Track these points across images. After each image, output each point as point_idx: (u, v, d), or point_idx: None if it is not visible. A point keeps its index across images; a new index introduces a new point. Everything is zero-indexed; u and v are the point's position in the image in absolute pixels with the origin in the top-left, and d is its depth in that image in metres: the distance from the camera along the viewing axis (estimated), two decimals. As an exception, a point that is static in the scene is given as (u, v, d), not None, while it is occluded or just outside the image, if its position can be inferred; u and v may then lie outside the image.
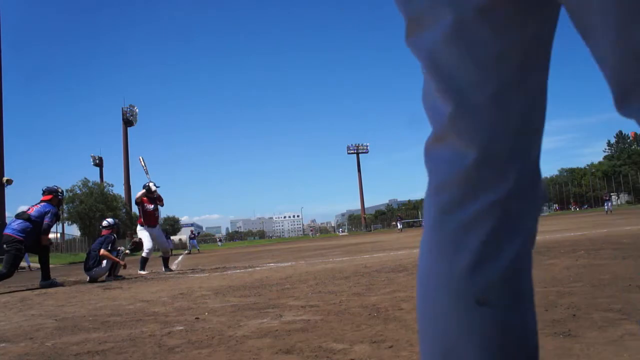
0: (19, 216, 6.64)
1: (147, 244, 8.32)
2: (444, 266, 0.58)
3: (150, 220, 8.41)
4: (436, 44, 0.58)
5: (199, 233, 38.29)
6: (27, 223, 6.49)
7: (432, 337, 0.59)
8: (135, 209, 8.70)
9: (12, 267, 6.29)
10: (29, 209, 6.73)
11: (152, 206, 8.47)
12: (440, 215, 0.59)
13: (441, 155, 0.61)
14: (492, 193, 0.57)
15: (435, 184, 0.61)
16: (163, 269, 8.53)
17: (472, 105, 0.57)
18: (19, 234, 6.40)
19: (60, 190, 7.17)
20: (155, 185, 8.65)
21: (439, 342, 0.58)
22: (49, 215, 6.64)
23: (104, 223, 7.69)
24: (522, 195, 0.58)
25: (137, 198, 8.64)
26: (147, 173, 9.06)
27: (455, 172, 0.58)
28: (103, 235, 7.32)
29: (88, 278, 6.90)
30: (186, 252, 26.69)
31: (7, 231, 6.51)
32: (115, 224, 7.70)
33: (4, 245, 6.38)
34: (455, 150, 0.59)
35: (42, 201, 6.84)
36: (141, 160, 9.39)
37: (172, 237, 26.71)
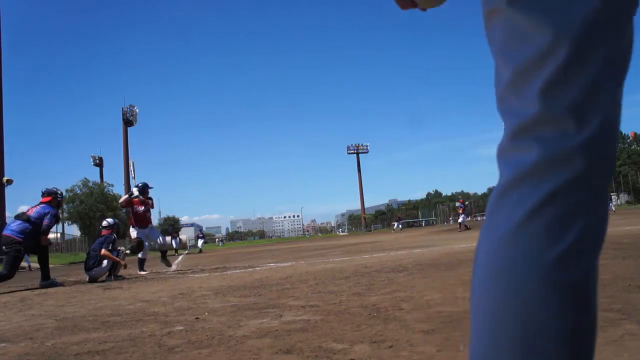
0: (18, 217, 6.65)
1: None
2: (532, 256, 0.57)
3: (141, 221, 8.46)
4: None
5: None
6: (26, 224, 6.50)
7: (502, 322, 0.57)
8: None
9: (13, 269, 6.29)
10: (28, 210, 6.74)
11: (143, 208, 8.53)
12: (531, 206, 0.57)
13: (531, 144, 0.58)
14: (595, 185, 0.57)
15: (537, 163, 0.58)
16: (161, 261, 8.63)
17: (600, 96, 0.56)
18: (18, 235, 6.41)
19: (59, 192, 7.18)
20: (147, 187, 8.74)
21: (516, 327, 0.56)
22: (48, 216, 6.65)
23: (104, 223, 7.70)
24: (604, 191, 0.59)
25: (123, 202, 8.76)
26: (134, 178, 9.22)
27: (556, 155, 0.57)
28: (103, 235, 7.33)
29: (88, 278, 6.91)
30: (186, 252, 26.72)
31: (5, 232, 6.51)
32: (115, 224, 7.71)
33: (3, 247, 6.39)
34: (555, 140, 0.57)
35: (41, 203, 6.85)
36: (131, 164, 9.58)
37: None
